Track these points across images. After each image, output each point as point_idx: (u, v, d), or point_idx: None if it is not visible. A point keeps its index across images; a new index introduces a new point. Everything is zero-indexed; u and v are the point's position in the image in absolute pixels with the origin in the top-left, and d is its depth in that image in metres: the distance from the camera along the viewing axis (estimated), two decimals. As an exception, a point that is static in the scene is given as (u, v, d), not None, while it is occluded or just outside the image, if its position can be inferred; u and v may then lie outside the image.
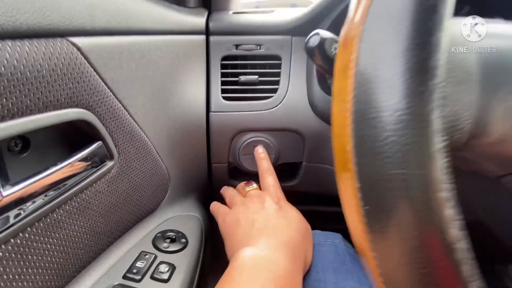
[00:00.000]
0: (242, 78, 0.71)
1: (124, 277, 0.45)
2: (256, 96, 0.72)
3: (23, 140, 0.31)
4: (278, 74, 0.73)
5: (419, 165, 0.14)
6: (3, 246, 0.29)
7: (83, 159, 0.38)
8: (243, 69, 0.74)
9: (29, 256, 0.32)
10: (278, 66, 0.73)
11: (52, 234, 0.35)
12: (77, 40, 0.35)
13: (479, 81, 0.16)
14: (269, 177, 0.59)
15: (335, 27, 0.68)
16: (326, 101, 0.69)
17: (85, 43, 0.36)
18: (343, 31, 0.19)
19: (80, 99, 0.35)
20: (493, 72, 0.16)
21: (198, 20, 0.70)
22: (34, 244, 0.33)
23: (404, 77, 0.14)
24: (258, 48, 0.73)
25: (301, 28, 0.71)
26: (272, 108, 0.72)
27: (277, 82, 0.73)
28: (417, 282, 0.15)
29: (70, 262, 0.40)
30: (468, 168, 0.25)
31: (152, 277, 0.46)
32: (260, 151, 0.69)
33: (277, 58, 0.73)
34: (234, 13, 0.80)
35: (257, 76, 0.72)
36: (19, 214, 0.29)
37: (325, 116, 0.70)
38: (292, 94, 0.72)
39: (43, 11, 0.30)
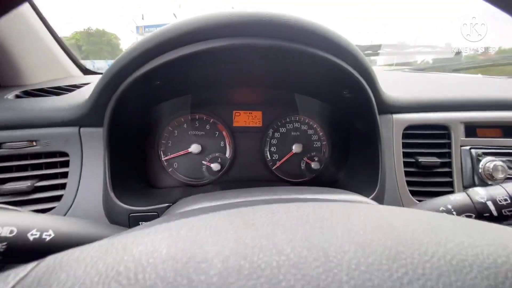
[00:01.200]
0: (7, 186, 0.53)
1: None
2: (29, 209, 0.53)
3: None
4: (64, 175, 0.56)
5: None
6: None
7: None
8: (14, 171, 0.55)
9: None
10: (65, 164, 0.57)
11: None
12: None
13: None
14: None
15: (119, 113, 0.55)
16: (123, 212, 0.53)
17: None
18: None
19: None
20: None
21: None
22: None
23: None
24: (33, 144, 0.56)
25: (90, 117, 0.56)
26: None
27: (62, 186, 0.56)
28: None
29: None
30: None
31: None
32: None
33: (62, 155, 0.57)
34: (17, 95, 0.63)
35: (34, 180, 0.54)
36: None
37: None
38: (83, 201, 0.55)
39: None
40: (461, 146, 0.65)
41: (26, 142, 0.55)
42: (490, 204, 0.36)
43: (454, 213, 0.38)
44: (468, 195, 0.39)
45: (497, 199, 0.36)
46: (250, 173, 0.78)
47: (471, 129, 0.67)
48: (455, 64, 1.48)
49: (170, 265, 0.15)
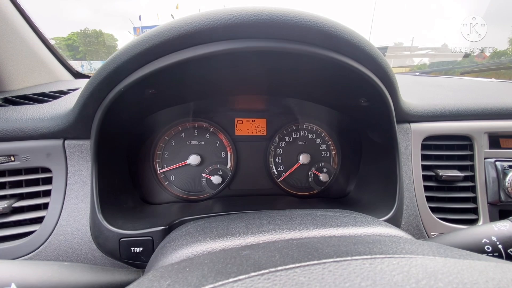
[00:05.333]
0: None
1: None
2: (2, 236, 0.47)
3: None
4: (47, 193, 0.50)
5: None
6: None
7: None
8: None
9: None
10: (47, 181, 0.50)
11: None
12: None
13: None
14: None
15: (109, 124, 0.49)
16: (113, 237, 0.47)
17: None
18: None
19: None
20: None
21: None
22: None
23: None
24: (11, 159, 0.49)
25: (76, 128, 0.50)
26: (31, 253, 0.48)
27: (44, 206, 0.49)
28: None
29: None
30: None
31: None
32: None
33: (45, 170, 0.51)
34: (-4, 103, 0.57)
35: (13, 200, 0.48)
36: None
37: (114, 254, 0.48)
38: (67, 224, 0.49)
39: None
40: (485, 158, 0.60)
41: (3, 157, 0.49)
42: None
43: (500, 246, 0.33)
44: None
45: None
46: (254, 186, 0.72)
47: (494, 139, 0.62)
48: (463, 67, 1.43)
49: None
